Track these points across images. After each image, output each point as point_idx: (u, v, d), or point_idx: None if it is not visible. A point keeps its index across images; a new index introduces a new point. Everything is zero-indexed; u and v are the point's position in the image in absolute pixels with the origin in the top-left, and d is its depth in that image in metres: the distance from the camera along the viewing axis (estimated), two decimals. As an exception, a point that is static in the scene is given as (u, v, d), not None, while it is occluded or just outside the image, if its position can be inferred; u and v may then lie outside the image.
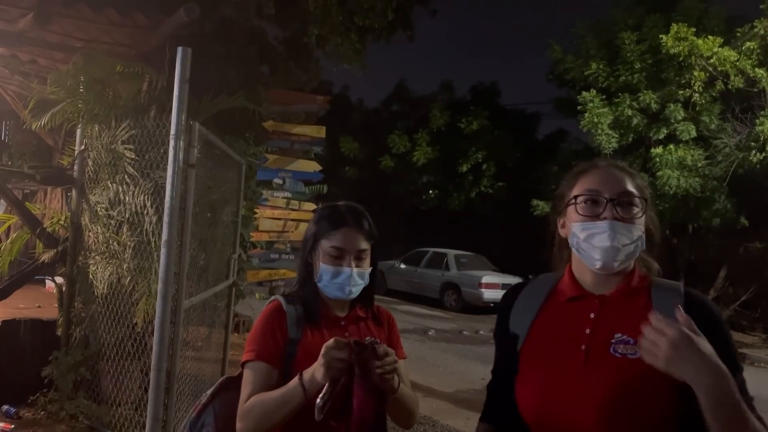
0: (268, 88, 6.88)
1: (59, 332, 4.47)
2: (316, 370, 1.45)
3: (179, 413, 3.63)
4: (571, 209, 1.38)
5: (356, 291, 1.68)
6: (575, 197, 1.36)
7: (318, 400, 1.44)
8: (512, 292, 1.53)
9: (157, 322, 2.99)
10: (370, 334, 1.72)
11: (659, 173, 11.75)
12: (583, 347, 1.30)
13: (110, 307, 4.06)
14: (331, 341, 1.44)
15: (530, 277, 1.62)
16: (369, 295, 1.78)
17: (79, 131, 4.45)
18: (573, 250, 1.38)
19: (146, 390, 3.12)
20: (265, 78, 7.21)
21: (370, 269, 1.71)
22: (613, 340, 1.28)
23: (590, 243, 1.31)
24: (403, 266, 16.00)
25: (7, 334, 4.55)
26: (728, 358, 1.21)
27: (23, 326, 4.62)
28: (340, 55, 8.09)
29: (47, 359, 4.27)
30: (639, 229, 1.32)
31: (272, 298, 1.77)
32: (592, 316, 1.33)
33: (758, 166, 10.89)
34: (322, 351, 1.43)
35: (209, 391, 1.75)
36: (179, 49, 2.99)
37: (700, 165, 11.73)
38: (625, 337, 1.28)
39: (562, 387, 1.29)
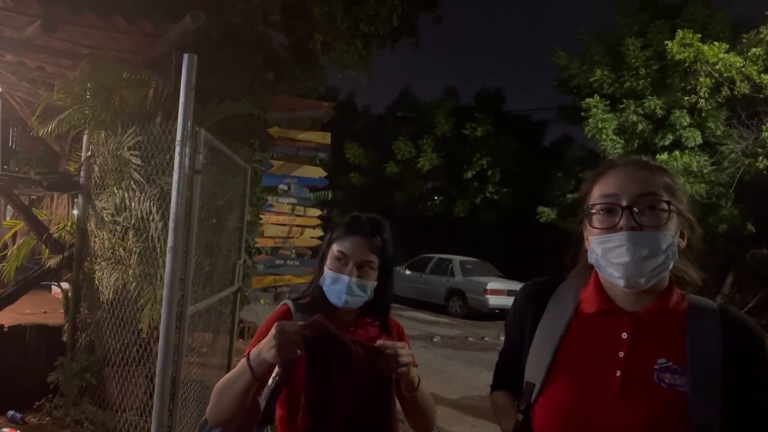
0: (273, 94, 6.89)
1: (65, 338, 4.48)
2: (263, 349, 1.41)
3: (184, 419, 3.63)
4: (588, 220, 1.23)
5: (353, 301, 1.65)
6: (590, 207, 1.21)
7: (270, 382, 1.42)
8: (543, 289, 1.36)
9: (162, 327, 3.00)
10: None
11: (665, 179, 11.73)
12: (618, 373, 1.15)
13: (116, 313, 4.07)
14: (284, 323, 1.42)
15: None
16: (381, 309, 1.75)
17: (85, 137, 4.48)
18: (595, 267, 1.22)
19: (151, 396, 3.12)
20: (270, 84, 7.23)
21: (374, 283, 1.67)
22: (656, 366, 1.14)
23: (608, 259, 1.16)
24: (407, 272, 15.99)
25: (13, 340, 4.56)
26: None
27: (29, 332, 4.64)
28: (345, 61, 8.11)
29: (53, 365, 4.27)
30: (668, 237, 1.14)
31: (283, 301, 1.78)
32: (624, 336, 1.18)
33: (765, 172, 10.86)
34: (274, 331, 1.39)
35: None
36: (185, 55, 3.00)
37: (706, 171, 11.70)
38: (670, 364, 1.13)
39: (594, 414, 1.15)
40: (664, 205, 1.14)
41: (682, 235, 1.20)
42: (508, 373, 1.39)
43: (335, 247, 1.67)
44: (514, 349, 1.36)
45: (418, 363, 1.83)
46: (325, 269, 1.68)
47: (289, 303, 1.74)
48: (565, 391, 1.19)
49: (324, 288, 1.68)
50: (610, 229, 1.15)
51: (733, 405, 1.09)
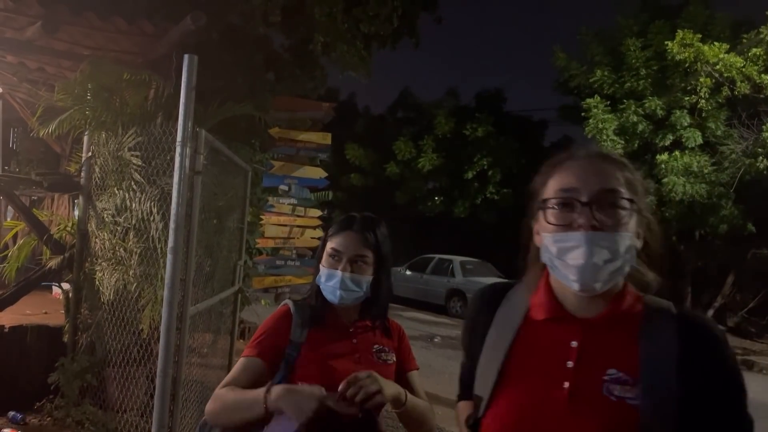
0: (274, 95, 6.90)
1: (66, 338, 4.48)
2: (285, 399, 1.39)
3: (185, 420, 3.63)
4: (542, 215, 1.12)
5: (348, 296, 1.66)
6: (545, 200, 1.11)
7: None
8: (494, 295, 1.28)
9: (162, 328, 3.00)
10: (379, 344, 1.73)
11: (665, 180, 11.72)
12: (566, 385, 1.05)
13: (116, 314, 4.07)
14: (327, 397, 1.37)
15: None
16: (378, 308, 1.75)
17: (86, 138, 4.48)
18: (547, 266, 1.13)
19: (152, 396, 3.12)
20: (271, 85, 7.24)
21: (369, 278, 1.68)
22: (605, 377, 1.04)
23: (564, 260, 1.06)
24: (408, 273, 15.99)
25: (14, 341, 4.57)
26: (731, 403, 1.04)
27: (30, 332, 4.64)
28: (345, 62, 8.11)
29: (53, 365, 4.28)
30: (627, 239, 1.04)
31: (284, 301, 1.79)
32: (574, 344, 1.08)
33: (765, 172, 10.85)
34: (312, 404, 1.34)
35: None
36: (186, 56, 3.00)
37: (706, 171, 11.69)
38: (621, 374, 1.04)
39: (540, 429, 1.06)
40: (626, 203, 1.05)
41: (638, 235, 1.10)
42: (468, 384, 1.28)
43: (329, 245, 1.70)
44: (470, 359, 1.28)
45: (419, 365, 1.83)
46: (320, 267, 1.70)
47: (290, 303, 1.75)
48: (511, 405, 1.11)
49: (320, 286, 1.70)
50: (567, 226, 1.05)
51: (691, 417, 1.00)
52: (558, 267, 1.08)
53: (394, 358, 1.73)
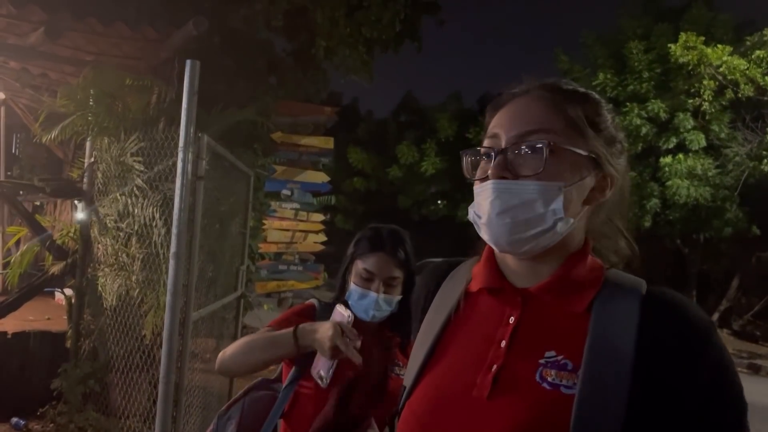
0: (276, 99, 6.90)
1: (68, 344, 4.48)
2: (320, 337, 1.47)
3: (187, 426, 3.62)
4: (473, 165, 0.96)
5: (380, 316, 1.69)
6: (475, 150, 0.94)
7: (322, 372, 1.52)
8: (438, 270, 1.09)
9: (165, 334, 2.98)
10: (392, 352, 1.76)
11: (669, 183, 11.70)
12: (495, 368, 0.86)
13: (119, 320, 4.06)
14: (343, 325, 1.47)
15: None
16: (405, 321, 1.77)
17: (88, 144, 4.48)
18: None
19: (154, 402, 3.11)
20: (273, 90, 7.25)
21: (399, 297, 1.71)
22: (542, 361, 0.83)
23: (479, 215, 0.89)
24: (411, 277, 15.96)
25: (17, 347, 4.56)
26: (721, 412, 0.78)
27: (33, 338, 4.64)
28: (348, 66, 8.11)
29: (56, 371, 4.27)
30: (551, 189, 0.84)
31: (310, 299, 1.82)
32: (511, 320, 0.89)
33: (769, 174, 10.84)
34: (332, 331, 1.45)
35: (244, 389, 1.82)
36: (188, 61, 3.00)
37: (710, 174, 11.66)
38: (559, 358, 0.83)
39: (453, 424, 0.85)
40: (541, 149, 0.84)
41: (602, 190, 0.89)
42: None
43: (360, 265, 1.71)
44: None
45: None
46: (352, 285, 1.72)
47: (315, 302, 1.79)
48: (428, 391, 0.92)
49: (351, 303, 1.72)
50: (485, 178, 0.89)
51: (649, 419, 0.77)
52: (477, 224, 0.91)
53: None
